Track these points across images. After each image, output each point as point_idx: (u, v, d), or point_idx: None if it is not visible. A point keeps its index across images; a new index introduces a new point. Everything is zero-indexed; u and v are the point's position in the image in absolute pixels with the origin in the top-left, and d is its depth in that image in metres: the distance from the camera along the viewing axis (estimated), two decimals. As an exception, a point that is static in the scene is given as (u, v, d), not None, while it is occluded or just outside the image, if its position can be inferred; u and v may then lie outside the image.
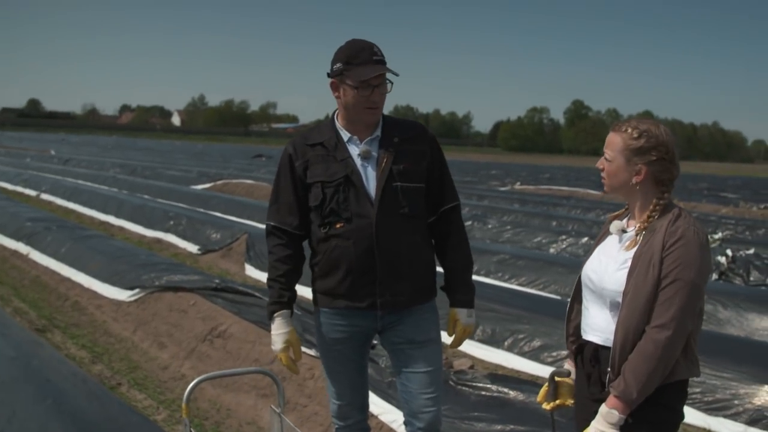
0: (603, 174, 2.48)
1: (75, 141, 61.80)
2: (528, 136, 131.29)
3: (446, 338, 3.10)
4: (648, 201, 2.42)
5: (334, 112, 3.01)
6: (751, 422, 4.62)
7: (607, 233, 2.58)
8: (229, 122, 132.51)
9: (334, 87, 2.89)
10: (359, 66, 2.79)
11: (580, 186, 26.80)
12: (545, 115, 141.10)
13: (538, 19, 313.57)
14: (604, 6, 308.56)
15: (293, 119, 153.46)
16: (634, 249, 2.38)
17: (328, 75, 2.89)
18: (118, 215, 13.67)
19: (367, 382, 3.17)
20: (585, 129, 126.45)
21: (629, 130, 2.39)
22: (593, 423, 2.34)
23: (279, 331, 2.94)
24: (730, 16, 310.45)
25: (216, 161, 36.15)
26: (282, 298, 2.95)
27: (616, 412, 2.29)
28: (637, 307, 2.29)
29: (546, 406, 2.73)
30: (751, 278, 8.79)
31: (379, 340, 3.08)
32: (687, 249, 2.27)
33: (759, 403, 4.68)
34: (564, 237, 11.14)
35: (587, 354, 2.52)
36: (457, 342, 3.06)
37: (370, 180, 2.87)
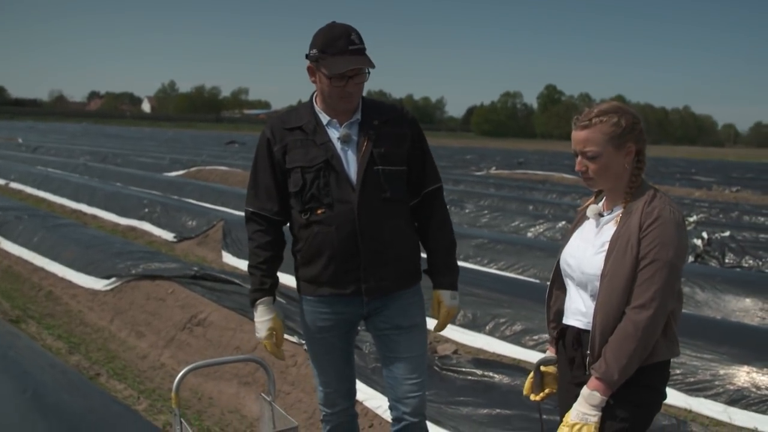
0: (589, 174, 2.39)
1: (43, 128, 60.83)
2: (501, 120, 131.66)
3: (429, 323, 3.07)
4: (628, 178, 2.39)
5: (313, 95, 2.94)
6: (730, 402, 4.67)
7: (583, 219, 2.56)
8: (200, 108, 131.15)
9: (311, 72, 2.83)
10: (334, 56, 2.71)
11: (555, 170, 26.92)
12: (518, 100, 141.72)
13: (512, 4, 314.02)
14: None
15: (265, 105, 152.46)
16: (612, 231, 2.36)
17: (307, 57, 2.83)
18: (90, 203, 13.47)
19: (353, 369, 3.13)
20: (558, 114, 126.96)
21: (603, 119, 2.35)
22: (575, 405, 2.33)
23: (262, 318, 2.89)
24: (700, 2, 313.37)
25: (188, 148, 35.79)
26: (264, 285, 2.90)
27: (597, 394, 2.28)
28: (616, 289, 2.28)
29: (534, 398, 2.69)
30: (727, 260, 8.88)
31: (365, 325, 3.03)
32: (664, 229, 2.26)
33: (738, 383, 4.73)
34: (541, 221, 11.18)
35: (569, 339, 2.51)
36: (441, 325, 3.05)
37: (351, 164, 2.82)
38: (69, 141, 38.91)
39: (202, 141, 46.36)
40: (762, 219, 13.12)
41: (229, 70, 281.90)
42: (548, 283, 2.68)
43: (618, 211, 2.40)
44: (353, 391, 3.14)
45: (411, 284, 2.97)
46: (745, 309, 6.54)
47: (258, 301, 2.90)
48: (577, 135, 2.40)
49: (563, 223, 10.78)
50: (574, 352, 2.48)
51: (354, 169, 2.81)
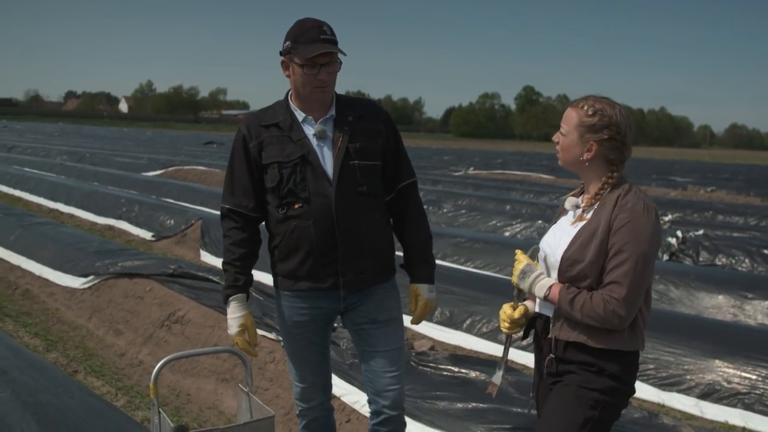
0: (557, 147, 2.55)
1: (18, 128, 60.28)
2: (480, 122, 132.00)
3: (406, 316, 3.11)
4: (598, 178, 2.49)
5: (288, 93, 2.99)
6: (702, 396, 4.77)
7: (564, 212, 2.63)
8: (178, 109, 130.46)
9: (284, 65, 2.87)
10: (306, 44, 2.77)
11: (533, 170, 27.10)
12: (496, 101, 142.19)
13: (490, 5, 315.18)
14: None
15: (244, 105, 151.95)
16: (583, 222, 2.45)
17: (280, 53, 2.88)
18: (67, 202, 13.39)
19: (329, 364, 3.17)
20: (536, 115, 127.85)
21: (585, 107, 2.45)
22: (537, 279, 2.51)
23: (234, 314, 2.92)
24: (676, 4, 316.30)
25: (166, 148, 35.60)
26: (237, 282, 2.93)
27: (547, 292, 2.45)
28: (573, 277, 2.39)
29: (514, 314, 2.61)
30: (701, 258, 9.01)
31: (341, 321, 3.07)
32: (637, 222, 2.33)
33: (709, 378, 4.83)
34: (518, 220, 11.27)
35: (539, 327, 2.58)
36: (419, 318, 3.08)
37: (327, 159, 2.86)
38: (46, 140, 38.53)
39: (181, 141, 46.13)
40: (735, 218, 13.31)
41: (207, 70, 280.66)
42: None
43: (592, 204, 2.48)
44: (329, 386, 3.18)
45: (387, 278, 3.02)
46: (718, 306, 6.64)
47: (231, 298, 2.93)
48: (567, 111, 2.54)
49: (540, 222, 10.86)
50: (543, 340, 2.55)
51: (330, 163, 2.85)
